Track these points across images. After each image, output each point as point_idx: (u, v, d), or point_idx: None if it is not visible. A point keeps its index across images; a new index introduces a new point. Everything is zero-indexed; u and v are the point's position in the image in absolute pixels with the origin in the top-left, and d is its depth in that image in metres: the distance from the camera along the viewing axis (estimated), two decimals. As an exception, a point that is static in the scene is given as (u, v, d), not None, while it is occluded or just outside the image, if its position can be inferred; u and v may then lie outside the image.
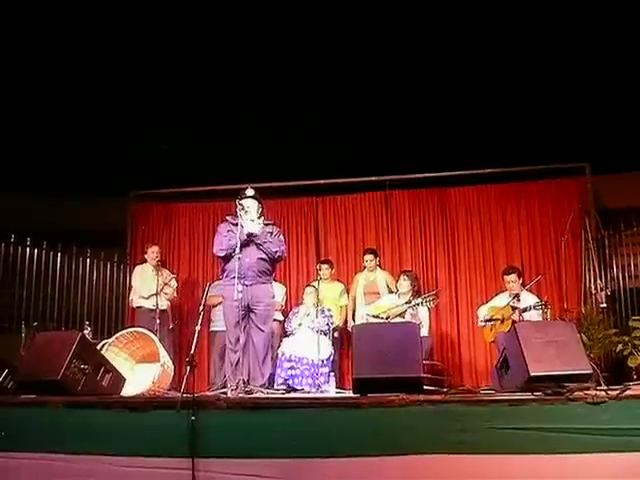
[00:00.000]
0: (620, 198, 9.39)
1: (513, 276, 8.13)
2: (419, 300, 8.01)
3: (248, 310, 6.70)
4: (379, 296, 8.69)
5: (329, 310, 8.32)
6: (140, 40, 7.74)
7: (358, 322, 8.36)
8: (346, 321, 8.85)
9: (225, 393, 6.41)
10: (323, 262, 9.18)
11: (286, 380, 7.64)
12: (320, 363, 7.64)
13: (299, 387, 7.56)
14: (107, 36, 7.69)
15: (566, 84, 8.22)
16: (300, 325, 8.21)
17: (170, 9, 7.40)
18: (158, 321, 8.35)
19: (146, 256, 9.09)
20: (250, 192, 6.92)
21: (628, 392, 4.40)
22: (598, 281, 8.65)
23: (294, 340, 8.07)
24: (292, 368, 7.73)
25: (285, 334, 8.44)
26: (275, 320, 8.18)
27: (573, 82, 8.17)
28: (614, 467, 4.19)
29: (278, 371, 7.70)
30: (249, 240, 6.69)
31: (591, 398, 4.32)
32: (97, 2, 7.25)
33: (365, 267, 9.00)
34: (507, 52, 7.93)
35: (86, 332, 7.47)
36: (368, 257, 8.97)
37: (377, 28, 7.72)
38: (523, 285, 8.12)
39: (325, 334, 8.03)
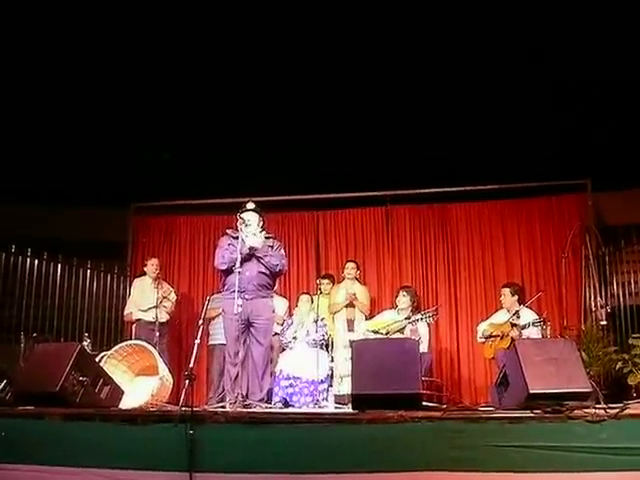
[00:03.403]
0: (621, 215, 9.40)
1: (506, 290, 8.14)
2: (419, 316, 7.99)
3: (248, 324, 6.68)
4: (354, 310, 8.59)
5: (322, 319, 8.20)
6: (143, 51, 7.80)
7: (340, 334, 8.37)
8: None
9: (223, 407, 6.40)
10: (324, 277, 9.15)
11: (284, 398, 7.58)
12: (319, 380, 7.59)
13: (297, 405, 7.50)
14: (110, 46, 7.75)
15: (567, 101, 8.25)
16: (295, 338, 8.12)
17: (177, 22, 7.47)
18: (157, 334, 8.35)
19: (146, 269, 9.07)
20: (251, 205, 6.91)
21: (627, 411, 4.39)
22: (598, 298, 8.64)
23: (292, 357, 7.97)
24: (290, 386, 7.66)
25: (281, 347, 8.37)
26: (276, 334, 8.14)
27: (574, 99, 8.20)
28: (613, 486, 4.18)
29: (276, 389, 7.64)
30: (250, 254, 6.70)
31: (590, 416, 4.30)
32: (99, 11, 7.31)
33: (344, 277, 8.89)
34: (505, 68, 7.99)
35: (85, 344, 7.47)
36: (349, 265, 8.89)
37: (380, 43, 7.78)
38: (522, 302, 8.09)
39: (321, 347, 7.96)
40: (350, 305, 8.58)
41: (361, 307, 8.56)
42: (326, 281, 9.01)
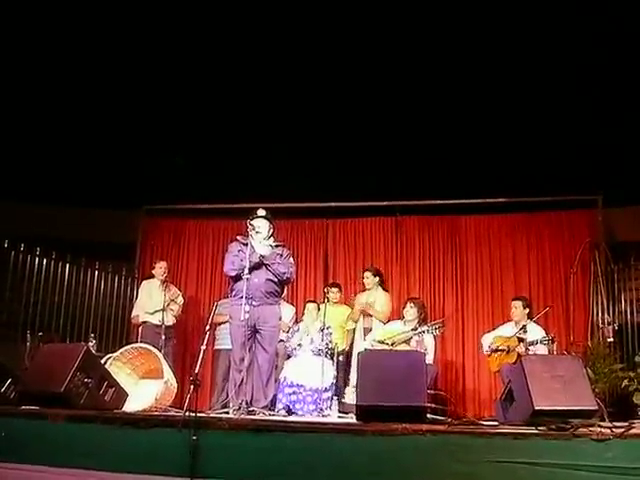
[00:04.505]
0: (631, 231, 9.36)
1: (518, 302, 8.12)
2: (425, 328, 7.96)
3: (254, 331, 6.68)
4: (372, 319, 8.59)
5: (328, 328, 8.14)
6: (158, 53, 7.82)
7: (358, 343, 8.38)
8: (351, 344, 8.75)
9: (227, 413, 6.38)
10: (332, 285, 9.11)
11: (287, 405, 7.54)
12: (323, 389, 7.56)
13: (300, 413, 7.46)
14: (123, 47, 7.77)
15: (578, 116, 8.23)
16: (300, 346, 8.09)
17: (190, 27, 7.49)
18: (163, 337, 8.34)
19: (154, 271, 9.06)
20: (261, 212, 6.92)
21: (633, 430, 4.35)
22: (606, 315, 8.61)
23: (296, 365, 7.90)
24: (294, 393, 7.61)
25: (286, 354, 8.33)
26: (281, 341, 8.11)
27: (585, 114, 8.19)
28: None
29: (279, 396, 7.60)
30: (259, 262, 6.69)
31: (596, 435, 4.27)
32: (110, 16, 7.35)
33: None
34: (517, 82, 7.99)
35: (90, 344, 7.46)
36: (366, 274, 8.90)
37: (392, 54, 7.79)
38: (530, 317, 8.06)
39: (326, 355, 7.92)
40: (367, 314, 8.59)
41: (377, 315, 8.55)
42: (334, 290, 8.98)
